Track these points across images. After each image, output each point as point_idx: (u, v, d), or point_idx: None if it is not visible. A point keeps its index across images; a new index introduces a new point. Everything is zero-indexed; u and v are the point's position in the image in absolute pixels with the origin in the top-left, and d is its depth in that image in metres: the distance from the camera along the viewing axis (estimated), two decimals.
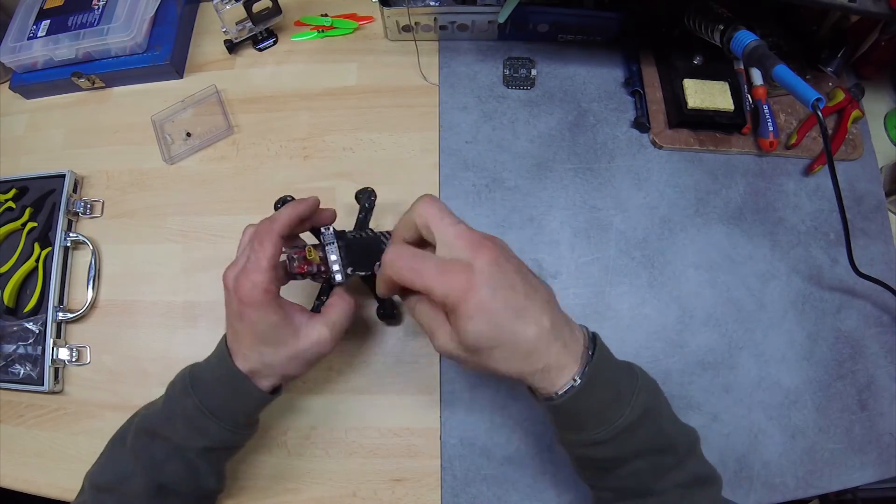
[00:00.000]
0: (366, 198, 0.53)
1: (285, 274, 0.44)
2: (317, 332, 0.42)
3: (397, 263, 0.36)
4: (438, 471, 0.52)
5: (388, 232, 0.50)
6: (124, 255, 0.60)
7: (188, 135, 0.63)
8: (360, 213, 0.53)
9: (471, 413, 0.54)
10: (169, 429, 0.42)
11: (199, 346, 0.56)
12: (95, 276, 0.59)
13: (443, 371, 0.55)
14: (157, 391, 0.56)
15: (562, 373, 0.35)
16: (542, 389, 0.36)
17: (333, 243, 0.46)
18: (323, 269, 0.45)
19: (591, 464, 0.39)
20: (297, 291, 0.56)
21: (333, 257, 0.45)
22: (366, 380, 0.55)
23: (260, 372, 0.42)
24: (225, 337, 0.44)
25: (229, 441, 0.43)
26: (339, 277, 0.45)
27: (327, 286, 0.48)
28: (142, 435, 0.43)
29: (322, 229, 0.47)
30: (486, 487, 0.52)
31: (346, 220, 0.59)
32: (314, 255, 0.45)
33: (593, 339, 0.38)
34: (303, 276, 0.45)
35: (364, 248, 0.48)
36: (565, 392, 0.35)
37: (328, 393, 0.54)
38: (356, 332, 0.56)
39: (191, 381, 0.43)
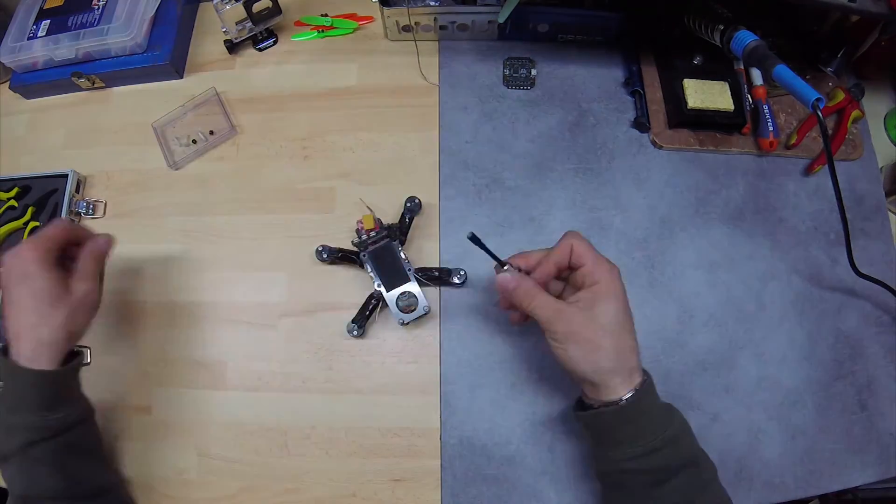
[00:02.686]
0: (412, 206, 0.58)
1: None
2: (81, 286, 0.47)
3: (576, 238, 0.45)
4: (438, 471, 0.52)
5: (408, 262, 0.55)
6: (124, 255, 0.60)
7: (193, 141, 0.63)
8: (405, 219, 0.58)
9: (471, 413, 0.54)
10: None
11: (199, 346, 0.57)
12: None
13: (443, 371, 0.55)
14: (157, 391, 0.57)
15: (630, 382, 0.41)
16: (614, 392, 0.41)
17: (382, 231, 0.55)
18: (364, 236, 0.55)
19: (641, 479, 0.41)
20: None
21: (372, 233, 0.55)
22: (366, 380, 0.55)
23: (44, 339, 0.44)
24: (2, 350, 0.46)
25: (40, 430, 0.44)
26: (353, 241, 0.55)
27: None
28: None
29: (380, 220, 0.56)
30: (486, 487, 0.52)
31: (346, 222, 0.59)
32: (369, 223, 0.55)
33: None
34: (357, 233, 0.55)
35: (389, 258, 0.55)
36: (632, 394, 0.40)
37: (328, 393, 0.54)
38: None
39: None
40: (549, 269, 0.45)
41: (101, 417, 0.55)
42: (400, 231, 0.56)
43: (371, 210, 0.56)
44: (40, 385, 0.45)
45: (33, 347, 0.44)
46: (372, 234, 0.54)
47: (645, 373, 0.43)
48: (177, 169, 0.63)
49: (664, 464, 0.40)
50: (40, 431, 0.44)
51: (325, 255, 0.56)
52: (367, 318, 0.55)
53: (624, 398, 0.40)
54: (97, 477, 0.49)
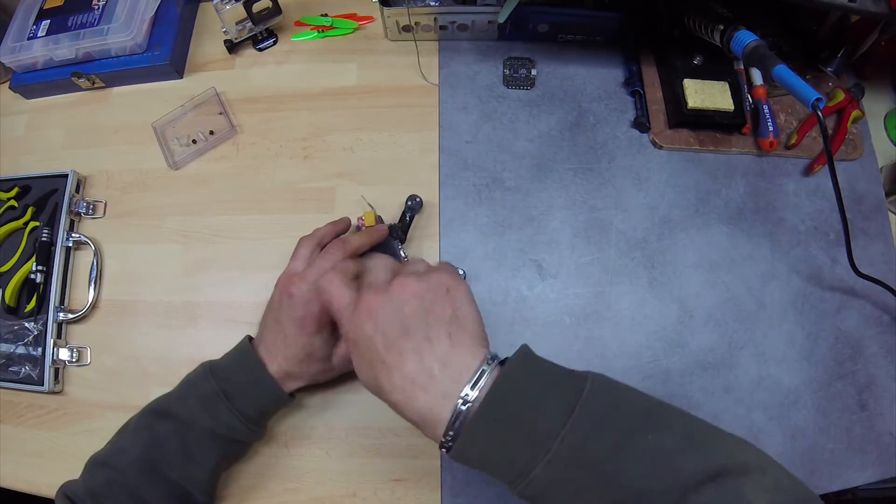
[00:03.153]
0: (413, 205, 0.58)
1: None
2: (344, 361, 0.48)
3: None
4: (438, 471, 0.52)
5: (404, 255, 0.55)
6: (124, 255, 0.60)
7: (193, 141, 0.63)
8: (405, 217, 0.57)
9: None
10: (179, 407, 0.45)
11: (198, 346, 0.57)
12: (97, 276, 0.59)
13: None
14: (156, 391, 0.56)
15: (444, 408, 0.32)
16: (434, 436, 0.33)
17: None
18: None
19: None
20: None
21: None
22: None
23: (293, 374, 0.46)
24: (248, 337, 0.48)
25: (235, 431, 0.45)
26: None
27: None
28: (149, 414, 0.46)
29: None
30: (486, 487, 0.52)
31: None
32: (370, 220, 0.55)
33: (502, 364, 0.33)
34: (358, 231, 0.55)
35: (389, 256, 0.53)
36: (450, 442, 0.32)
37: (328, 393, 0.54)
38: None
39: (210, 369, 0.46)
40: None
41: (102, 418, 0.56)
42: (401, 229, 0.56)
43: (372, 207, 0.57)
44: (266, 400, 0.46)
45: (278, 374, 0.45)
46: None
47: (495, 363, 0.33)
48: (177, 169, 0.63)
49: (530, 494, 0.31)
50: (232, 434, 0.45)
51: None
52: None
53: (446, 443, 0.33)
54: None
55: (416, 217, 0.58)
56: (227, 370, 0.46)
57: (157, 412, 0.45)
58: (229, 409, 0.44)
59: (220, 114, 0.64)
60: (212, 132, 0.63)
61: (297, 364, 0.46)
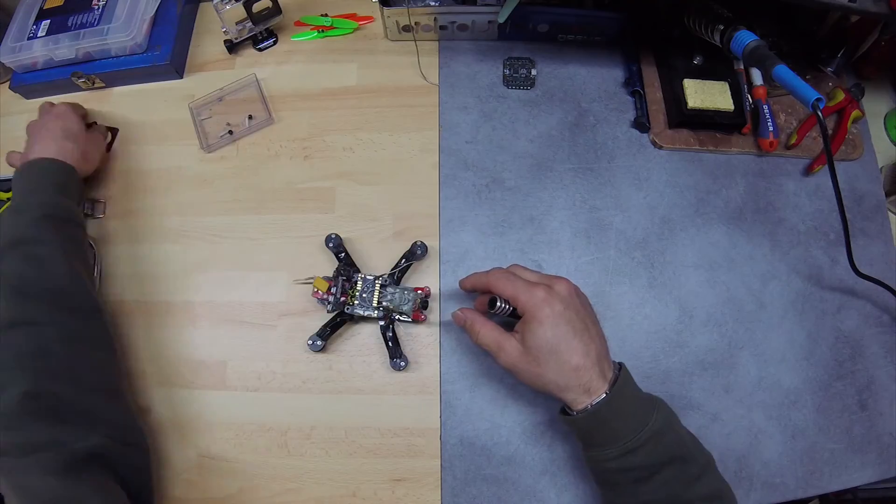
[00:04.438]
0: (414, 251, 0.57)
1: None
2: (94, 132, 0.60)
3: (499, 279, 0.47)
4: (438, 471, 0.52)
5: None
6: (124, 255, 0.60)
7: (230, 132, 0.63)
8: (401, 262, 0.57)
9: (471, 413, 0.54)
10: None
11: (199, 346, 0.57)
12: (97, 276, 0.59)
13: (443, 371, 0.55)
14: (157, 391, 0.57)
15: (596, 392, 0.43)
16: (578, 404, 0.43)
17: (338, 281, 0.54)
18: (331, 297, 0.54)
19: (626, 477, 0.42)
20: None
21: (333, 290, 0.54)
22: (366, 380, 0.55)
23: (67, 148, 0.56)
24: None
25: (54, 207, 0.51)
26: (328, 308, 0.54)
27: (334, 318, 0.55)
28: None
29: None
30: (486, 487, 0.52)
31: (346, 222, 0.60)
32: (322, 286, 0.54)
33: (620, 366, 0.45)
34: (322, 302, 0.54)
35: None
36: (598, 401, 0.42)
37: (328, 393, 0.54)
38: (357, 334, 0.56)
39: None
40: (484, 304, 0.48)
41: None
42: (391, 275, 0.56)
43: (311, 278, 0.55)
44: (58, 170, 0.54)
45: (57, 150, 0.55)
46: (333, 290, 0.54)
47: (617, 370, 0.44)
48: (210, 152, 0.63)
49: (644, 462, 0.41)
50: (54, 208, 0.51)
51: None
52: (398, 345, 0.54)
53: (578, 410, 0.43)
54: (92, 292, 0.50)
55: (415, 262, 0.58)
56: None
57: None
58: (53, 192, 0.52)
59: (258, 102, 0.64)
60: (250, 116, 0.64)
61: (65, 136, 0.57)
